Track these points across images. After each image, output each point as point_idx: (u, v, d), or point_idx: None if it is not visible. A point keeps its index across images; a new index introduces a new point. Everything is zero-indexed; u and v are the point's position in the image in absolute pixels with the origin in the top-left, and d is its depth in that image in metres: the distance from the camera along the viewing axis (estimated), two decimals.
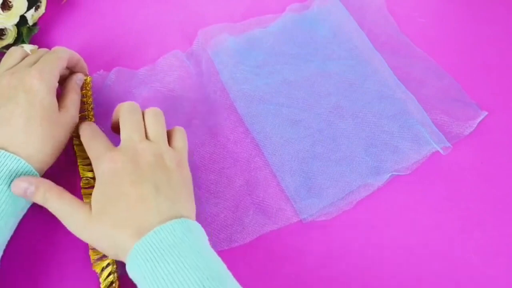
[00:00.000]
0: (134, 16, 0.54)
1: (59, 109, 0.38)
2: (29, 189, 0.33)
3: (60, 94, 0.41)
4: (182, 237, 0.31)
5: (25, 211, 0.36)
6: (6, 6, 0.46)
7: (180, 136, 0.38)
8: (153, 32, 0.52)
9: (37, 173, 0.36)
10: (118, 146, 0.35)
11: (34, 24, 0.50)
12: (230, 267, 0.32)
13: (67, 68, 0.43)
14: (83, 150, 0.42)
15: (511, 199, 0.41)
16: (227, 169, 0.42)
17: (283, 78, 0.47)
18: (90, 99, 0.45)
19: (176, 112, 0.46)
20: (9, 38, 0.48)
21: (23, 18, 0.48)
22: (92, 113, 0.45)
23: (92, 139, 0.37)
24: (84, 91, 0.45)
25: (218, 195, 0.41)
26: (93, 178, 0.41)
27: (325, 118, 0.44)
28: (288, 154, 0.42)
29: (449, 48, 0.50)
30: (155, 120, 0.37)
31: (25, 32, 0.49)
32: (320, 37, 0.50)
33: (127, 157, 0.34)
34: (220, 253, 0.37)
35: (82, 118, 0.44)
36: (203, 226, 0.34)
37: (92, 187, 0.40)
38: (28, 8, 0.48)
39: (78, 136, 0.43)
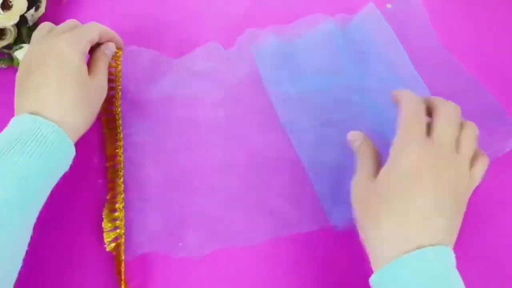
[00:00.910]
0: (134, 16, 0.54)
1: (88, 75, 0.39)
2: (355, 143, 0.37)
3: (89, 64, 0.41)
4: (446, 270, 0.30)
5: (58, 177, 0.36)
6: (6, 6, 0.46)
7: (482, 167, 0.35)
8: (153, 33, 0.52)
9: (71, 141, 0.36)
10: (432, 137, 0.33)
11: (34, 24, 0.51)
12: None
13: (100, 43, 0.43)
14: (112, 127, 0.44)
15: None
16: (253, 170, 0.42)
17: (322, 87, 0.46)
18: (120, 74, 0.46)
19: (202, 103, 0.46)
20: (9, 38, 0.48)
21: (23, 18, 0.48)
22: (120, 87, 0.46)
23: (413, 119, 0.34)
24: (114, 65, 0.46)
25: (238, 194, 0.41)
26: (119, 161, 0.42)
27: (365, 128, 0.43)
28: (326, 159, 0.42)
29: (448, 48, 0.50)
30: (472, 135, 0.35)
31: (25, 32, 0.49)
32: (360, 50, 0.49)
33: (435, 158, 0.32)
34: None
35: (110, 91, 0.45)
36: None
37: (117, 168, 0.42)
38: (28, 8, 0.48)
39: (106, 112, 0.45)
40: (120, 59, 0.46)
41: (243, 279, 0.33)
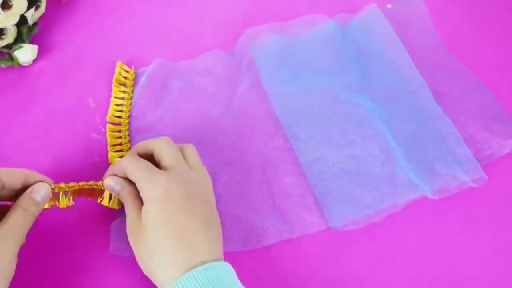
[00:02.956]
0: (134, 16, 0.54)
1: None
2: (116, 188, 0.36)
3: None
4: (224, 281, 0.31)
5: None
6: (6, 6, 0.46)
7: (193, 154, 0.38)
8: (153, 33, 0.52)
9: None
10: (164, 167, 0.35)
11: (34, 24, 0.51)
12: (245, 269, 0.33)
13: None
14: (115, 136, 0.44)
15: None
16: (255, 171, 0.42)
17: (322, 86, 0.46)
18: (131, 95, 0.47)
19: (207, 110, 0.46)
20: (9, 37, 0.48)
21: (23, 18, 0.48)
22: (129, 107, 0.46)
23: (135, 162, 0.35)
24: (127, 86, 0.47)
25: (241, 196, 0.40)
26: None
27: (365, 128, 0.43)
28: (325, 160, 0.42)
29: (448, 48, 0.50)
30: (193, 151, 0.38)
31: (25, 31, 0.49)
32: (360, 50, 0.49)
33: (180, 181, 0.34)
34: (236, 254, 0.37)
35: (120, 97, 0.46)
36: (221, 227, 0.35)
37: None
38: (28, 8, 0.48)
39: (113, 122, 0.45)
40: (132, 80, 0.47)
41: (243, 281, 0.33)
